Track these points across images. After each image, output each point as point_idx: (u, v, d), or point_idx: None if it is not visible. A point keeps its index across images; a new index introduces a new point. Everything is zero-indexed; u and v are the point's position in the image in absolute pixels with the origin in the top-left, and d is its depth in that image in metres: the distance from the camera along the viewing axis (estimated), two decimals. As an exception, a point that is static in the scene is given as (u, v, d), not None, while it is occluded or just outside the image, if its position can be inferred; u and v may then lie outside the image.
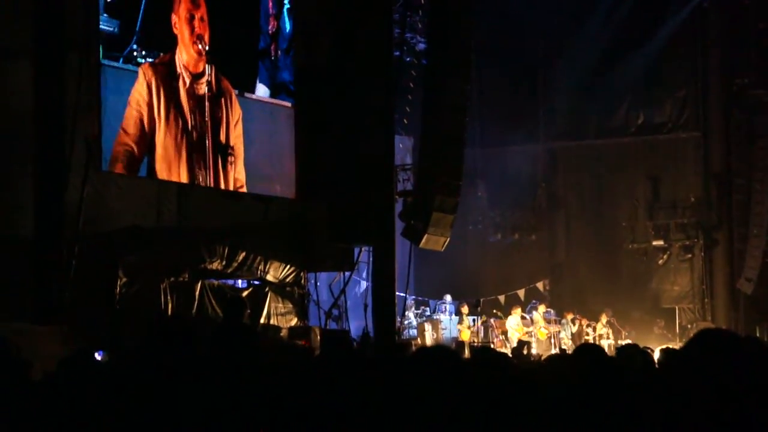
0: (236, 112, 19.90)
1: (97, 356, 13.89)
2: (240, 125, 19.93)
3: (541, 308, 26.40)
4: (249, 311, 16.28)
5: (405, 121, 25.22)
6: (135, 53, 18.13)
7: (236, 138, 19.73)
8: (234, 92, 19.84)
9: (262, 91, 20.96)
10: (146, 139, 17.77)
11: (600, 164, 30.49)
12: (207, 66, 19.04)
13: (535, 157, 30.89)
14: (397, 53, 22.64)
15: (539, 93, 30.43)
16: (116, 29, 17.59)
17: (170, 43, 18.63)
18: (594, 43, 29.11)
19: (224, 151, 19.38)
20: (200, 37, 18.95)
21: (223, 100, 19.57)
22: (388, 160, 20.99)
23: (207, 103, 19.04)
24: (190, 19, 18.92)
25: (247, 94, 20.36)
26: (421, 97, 22.61)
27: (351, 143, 20.01)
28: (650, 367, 6.35)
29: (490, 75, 27.90)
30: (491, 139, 29.64)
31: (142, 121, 17.76)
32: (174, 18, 18.80)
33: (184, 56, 18.88)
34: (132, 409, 4.03)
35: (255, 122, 20.33)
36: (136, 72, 17.95)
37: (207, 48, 18.96)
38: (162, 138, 18.10)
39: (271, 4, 21.29)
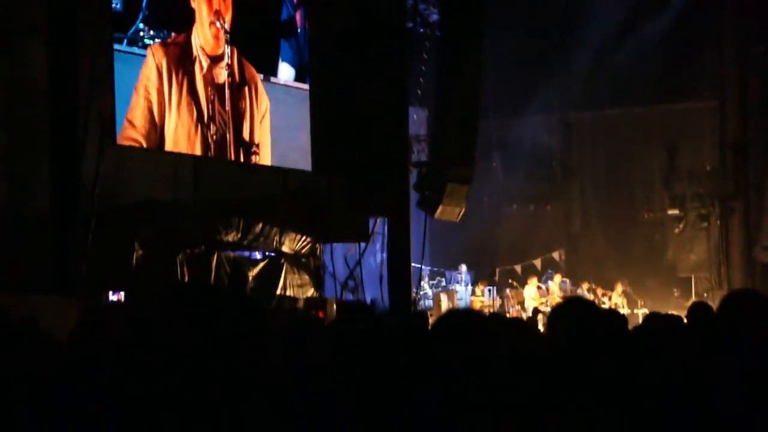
0: (263, 104, 18.57)
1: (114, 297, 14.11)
2: (267, 119, 18.70)
3: (557, 278, 26.48)
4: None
5: (419, 92, 25.22)
6: (141, 33, 16.28)
7: (262, 134, 18.68)
8: (259, 79, 18.62)
9: (286, 73, 19.60)
10: (156, 131, 16.38)
11: (615, 134, 30.45)
12: (227, 48, 17.61)
13: (551, 128, 30.85)
14: (411, 24, 22.61)
15: (554, 63, 30.32)
16: (119, 5, 15.96)
17: (184, 20, 17.08)
18: (609, 12, 28.99)
19: (247, 148, 18.31)
20: (218, 14, 17.39)
21: (246, 89, 18.18)
22: (402, 131, 21.02)
23: (228, 92, 17.57)
24: (211, -6, 17.32)
25: (272, 80, 19.15)
26: (434, 68, 22.61)
27: (365, 114, 20.02)
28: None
29: (505, 45, 27.79)
30: (506, 109, 29.61)
31: (151, 110, 16.17)
32: (192, -12, 17.17)
33: (201, 37, 17.20)
34: (145, 377, 4.11)
35: (281, 111, 19.26)
36: (142, 56, 16.22)
37: (227, 27, 17.51)
38: (173, 130, 16.62)
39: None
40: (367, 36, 20.16)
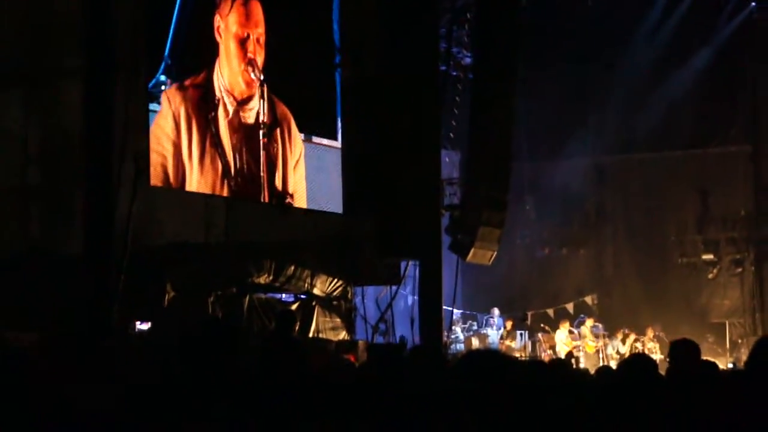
0: (297, 148, 17.69)
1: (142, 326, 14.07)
2: (302, 165, 17.81)
3: (589, 322, 26.30)
4: (298, 325, 16.38)
5: (451, 135, 25.21)
6: (163, 87, 15.22)
7: (297, 182, 17.92)
8: (292, 121, 17.68)
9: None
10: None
11: (648, 178, 30.30)
12: (257, 88, 16.50)
13: (583, 171, 30.72)
14: (443, 67, 22.64)
15: (588, 107, 30.26)
16: (142, 53, 14.75)
17: (208, 57, 15.90)
18: (643, 56, 28.98)
19: (280, 200, 17.59)
20: (252, 63, 16.44)
21: (278, 132, 17.01)
22: (434, 174, 21.01)
23: (257, 137, 16.31)
24: (244, 40, 16.44)
25: (315, 139, 18.13)
26: (467, 111, 22.61)
27: (397, 157, 20.02)
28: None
29: (538, 88, 27.81)
30: (539, 153, 29.59)
31: (165, 169, 15.07)
32: (217, 20, 15.89)
33: (226, 76, 15.96)
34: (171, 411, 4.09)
35: (314, 156, 18.41)
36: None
37: (262, 77, 16.46)
38: (195, 188, 15.75)
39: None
40: (400, 79, 20.19)
